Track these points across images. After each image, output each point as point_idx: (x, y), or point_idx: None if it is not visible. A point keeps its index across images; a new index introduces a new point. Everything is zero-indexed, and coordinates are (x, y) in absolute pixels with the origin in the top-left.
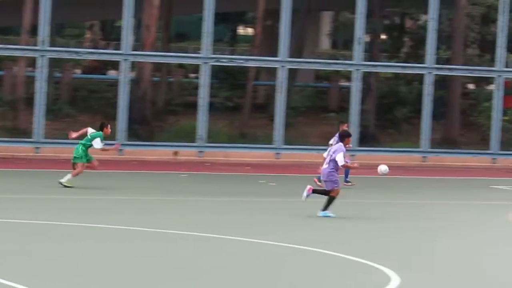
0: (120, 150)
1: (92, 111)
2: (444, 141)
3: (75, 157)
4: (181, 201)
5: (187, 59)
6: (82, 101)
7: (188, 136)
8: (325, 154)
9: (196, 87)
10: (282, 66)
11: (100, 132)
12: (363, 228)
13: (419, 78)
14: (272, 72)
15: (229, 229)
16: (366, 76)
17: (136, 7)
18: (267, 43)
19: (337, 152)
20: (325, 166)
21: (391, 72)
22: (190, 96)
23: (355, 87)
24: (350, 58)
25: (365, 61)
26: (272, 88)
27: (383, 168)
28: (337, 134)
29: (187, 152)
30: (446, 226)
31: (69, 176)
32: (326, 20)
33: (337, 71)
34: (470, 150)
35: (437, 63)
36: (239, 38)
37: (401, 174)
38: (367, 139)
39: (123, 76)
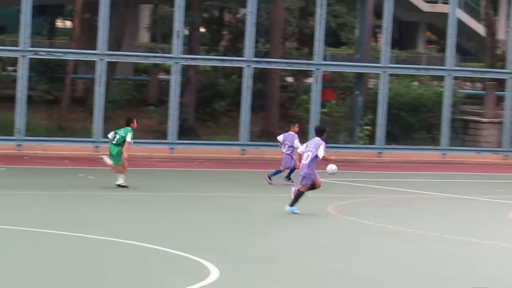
0: None
1: None
2: (264, 134)
3: (115, 160)
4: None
5: (4, 52)
6: None
7: (6, 129)
8: (300, 150)
9: (14, 80)
10: (101, 59)
11: (129, 128)
12: (182, 221)
13: (238, 71)
14: (91, 65)
15: (50, 223)
16: (185, 69)
17: None
18: (86, 36)
19: (320, 146)
20: (304, 162)
21: (210, 65)
22: (8, 89)
23: (174, 80)
24: (169, 51)
25: (184, 54)
26: (91, 81)
27: (331, 168)
28: (288, 132)
29: (5, 146)
30: (265, 218)
31: (121, 176)
32: (145, 13)
33: (156, 64)
34: None
35: (256, 56)
36: (57, 31)
37: (221, 167)
38: (186, 132)
39: None
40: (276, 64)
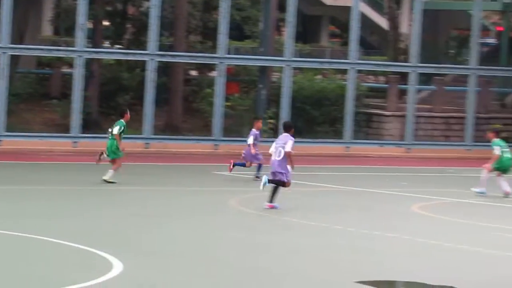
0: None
1: None
2: (167, 127)
3: (108, 153)
4: None
5: None
6: None
7: None
8: (271, 150)
9: None
10: (4, 53)
11: (121, 120)
12: (86, 216)
13: (142, 64)
14: None
15: None
16: (89, 63)
17: None
18: None
19: (288, 141)
20: (277, 158)
21: (114, 58)
22: None
23: (78, 73)
24: (72, 44)
25: (88, 47)
26: None
27: None
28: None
29: None
30: (169, 212)
31: (110, 171)
32: (48, 6)
33: (60, 58)
34: (193, 137)
35: (160, 49)
36: None
37: (124, 161)
38: (90, 126)
39: None
40: (180, 57)
